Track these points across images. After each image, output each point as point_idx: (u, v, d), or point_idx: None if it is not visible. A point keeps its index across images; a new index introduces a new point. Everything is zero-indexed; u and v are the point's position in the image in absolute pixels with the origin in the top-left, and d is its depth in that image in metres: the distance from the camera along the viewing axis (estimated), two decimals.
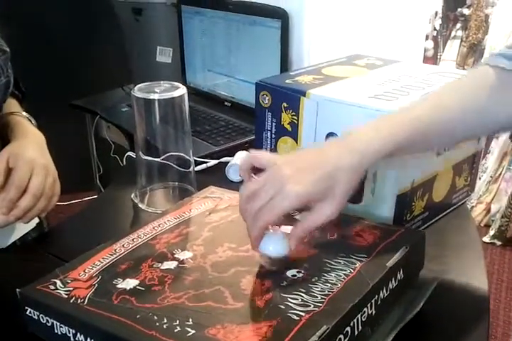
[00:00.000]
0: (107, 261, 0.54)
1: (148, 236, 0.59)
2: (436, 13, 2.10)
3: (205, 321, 0.44)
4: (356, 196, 0.68)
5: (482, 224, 2.13)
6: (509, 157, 2.07)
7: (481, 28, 2.06)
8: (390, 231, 0.57)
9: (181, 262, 0.54)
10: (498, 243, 2.03)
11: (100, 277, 0.52)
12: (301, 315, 0.43)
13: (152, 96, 0.74)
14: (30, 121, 0.81)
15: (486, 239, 2.04)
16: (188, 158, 0.81)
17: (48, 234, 0.80)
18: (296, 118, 0.71)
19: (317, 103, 0.68)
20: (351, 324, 0.45)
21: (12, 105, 0.83)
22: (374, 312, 0.48)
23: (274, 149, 0.76)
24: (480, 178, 2.10)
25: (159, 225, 0.62)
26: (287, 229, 0.53)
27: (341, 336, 0.44)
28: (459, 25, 2.12)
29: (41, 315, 0.49)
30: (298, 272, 0.50)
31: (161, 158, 0.79)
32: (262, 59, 1.13)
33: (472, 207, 2.13)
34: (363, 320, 0.46)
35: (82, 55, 1.93)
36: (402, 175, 0.65)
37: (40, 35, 1.84)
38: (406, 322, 0.53)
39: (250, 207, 0.50)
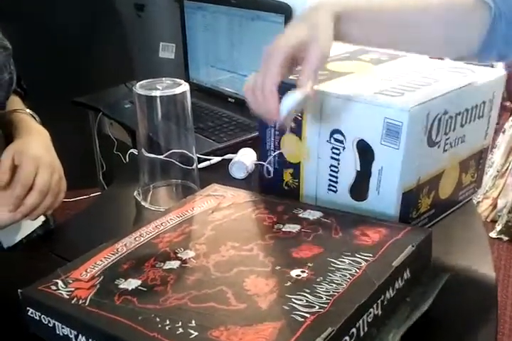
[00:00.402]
0: (109, 260, 0.54)
1: (150, 235, 0.59)
2: None
3: (208, 323, 0.43)
4: (361, 193, 0.67)
5: (488, 220, 2.11)
6: None
7: None
8: (395, 229, 0.56)
9: (184, 261, 0.53)
10: (505, 238, 2.02)
11: (102, 277, 0.51)
12: (306, 317, 0.43)
13: (154, 93, 0.73)
14: (34, 118, 0.81)
15: (493, 234, 2.03)
16: (190, 155, 0.80)
17: (51, 232, 0.79)
18: (300, 114, 0.70)
19: (321, 99, 0.67)
20: (357, 325, 0.44)
21: (15, 102, 0.82)
22: (380, 312, 0.48)
23: (277, 146, 0.75)
24: (486, 173, 2.08)
25: (162, 224, 0.61)
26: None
27: (347, 337, 0.43)
28: None
29: (43, 316, 0.48)
30: (302, 272, 0.49)
31: (164, 155, 0.78)
32: None
33: (478, 202, 2.12)
34: (369, 320, 0.46)
35: (85, 52, 1.92)
36: (408, 172, 0.64)
37: (42, 32, 1.84)
38: (413, 321, 0.52)
39: (255, 82, 0.57)
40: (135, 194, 0.82)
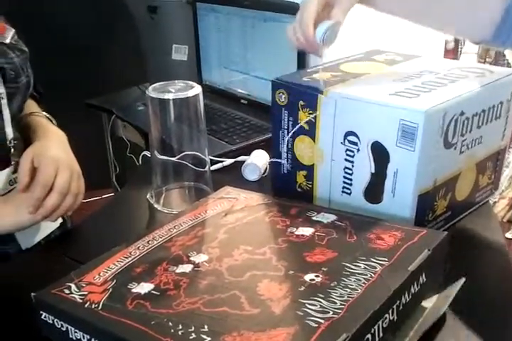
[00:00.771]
0: (122, 264, 0.54)
1: (163, 238, 0.59)
2: None
3: (221, 328, 0.43)
4: (376, 196, 0.67)
5: (505, 220, 2.08)
6: None
7: None
8: (411, 232, 0.55)
9: (197, 265, 0.52)
10: None
11: (115, 281, 0.51)
12: (320, 322, 0.42)
13: (167, 96, 0.73)
14: (51, 120, 0.81)
15: (509, 234, 2.00)
16: (203, 157, 0.79)
17: (68, 233, 0.80)
18: (313, 116, 0.69)
19: (335, 101, 0.66)
20: (372, 331, 0.43)
21: (31, 106, 0.83)
22: (396, 317, 0.47)
23: (291, 148, 0.74)
24: (503, 173, 2.05)
25: (175, 227, 0.61)
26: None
27: None
28: None
29: (56, 320, 0.48)
30: (316, 276, 0.49)
31: (177, 157, 0.78)
32: (279, 55, 1.11)
33: (494, 202, 2.09)
34: (384, 326, 0.45)
35: (98, 54, 1.93)
36: (424, 173, 0.63)
37: (56, 35, 1.85)
38: (429, 326, 0.51)
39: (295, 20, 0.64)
40: (148, 196, 0.81)
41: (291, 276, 0.49)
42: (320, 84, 0.68)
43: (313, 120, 0.69)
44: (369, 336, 0.43)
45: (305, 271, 0.50)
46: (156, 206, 0.80)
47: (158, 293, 0.48)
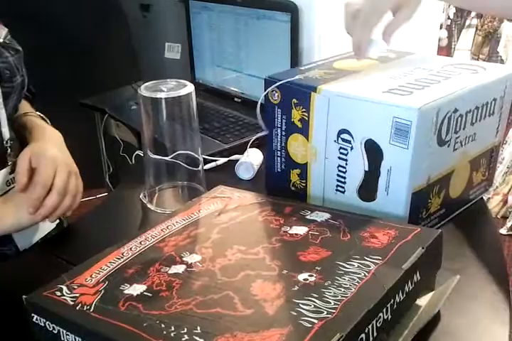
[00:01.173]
0: (114, 265, 0.53)
1: (156, 238, 0.58)
2: None
3: (214, 329, 0.42)
4: (370, 194, 0.66)
5: (499, 216, 2.09)
6: None
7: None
8: (405, 231, 0.55)
9: (189, 266, 0.52)
10: None
11: (107, 282, 0.50)
12: (314, 323, 0.42)
13: (159, 95, 0.73)
14: (45, 120, 0.81)
15: (503, 230, 2.01)
16: (196, 156, 0.79)
17: (64, 232, 0.79)
18: (306, 114, 0.69)
19: (328, 99, 0.66)
20: (366, 330, 0.43)
21: (25, 106, 0.83)
22: (390, 316, 0.46)
23: (284, 147, 0.74)
24: (496, 169, 2.06)
25: (167, 227, 0.60)
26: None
27: None
28: (473, 14, 2.07)
29: (47, 323, 0.48)
30: (310, 276, 0.48)
31: (170, 157, 0.77)
32: (272, 53, 1.11)
33: (489, 198, 2.09)
34: (379, 325, 0.45)
35: (90, 53, 1.92)
36: (418, 171, 0.63)
37: (47, 34, 1.83)
38: (424, 324, 0.51)
39: (357, 19, 0.66)
40: (141, 196, 0.81)
41: (284, 276, 0.49)
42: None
43: (307, 118, 0.69)
44: (363, 336, 0.43)
45: (299, 271, 0.49)
46: (149, 206, 0.79)
47: (150, 295, 0.48)
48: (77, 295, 0.49)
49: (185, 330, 0.42)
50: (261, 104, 0.71)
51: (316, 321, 0.42)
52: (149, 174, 0.80)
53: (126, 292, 0.49)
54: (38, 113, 0.82)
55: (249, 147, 0.91)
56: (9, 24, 0.75)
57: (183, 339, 0.41)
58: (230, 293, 0.47)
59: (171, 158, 0.77)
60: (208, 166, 0.89)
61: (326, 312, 0.43)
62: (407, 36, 1.19)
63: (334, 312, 0.43)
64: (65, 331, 0.46)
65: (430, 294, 0.56)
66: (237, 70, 1.22)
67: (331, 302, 0.44)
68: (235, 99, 1.23)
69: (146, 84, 0.75)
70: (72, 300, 0.48)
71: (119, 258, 0.54)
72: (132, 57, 1.50)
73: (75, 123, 1.64)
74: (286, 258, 0.52)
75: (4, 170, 0.72)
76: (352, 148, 0.66)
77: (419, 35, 1.25)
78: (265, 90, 0.72)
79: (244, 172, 0.86)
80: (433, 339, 0.52)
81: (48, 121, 0.81)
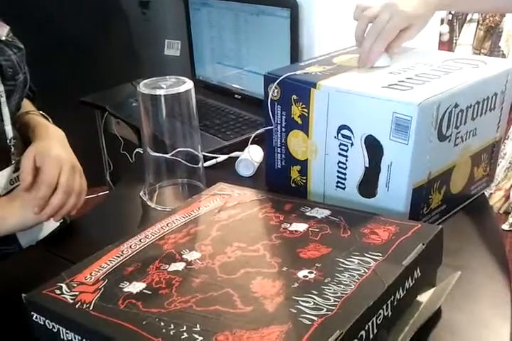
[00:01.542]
0: (114, 263, 0.53)
1: (156, 236, 0.58)
2: None
3: (213, 327, 0.42)
4: (370, 190, 0.66)
5: (501, 211, 2.08)
6: None
7: None
8: (405, 227, 0.55)
9: (189, 263, 0.52)
10: None
11: (106, 280, 0.50)
12: (314, 320, 0.41)
13: (158, 92, 0.72)
14: (47, 118, 0.80)
15: (505, 226, 2.00)
16: (196, 153, 0.79)
17: (66, 229, 0.79)
18: (306, 110, 0.69)
19: (328, 94, 0.65)
20: (366, 327, 0.43)
21: (26, 104, 0.82)
22: (390, 313, 0.46)
23: (284, 143, 0.74)
24: (498, 165, 2.05)
25: (167, 224, 0.60)
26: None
27: (356, 340, 0.42)
28: None
29: (47, 321, 0.48)
30: (310, 272, 0.48)
31: (170, 154, 0.77)
32: (272, 49, 1.10)
33: (490, 193, 2.09)
34: (379, 322, 0.44)
35: (90, 50, 1.92)
36: (418, 167, 0.62)
37: (47, 31, 1.83)
38: (424, 321, 0.51)
39: (373, 28, 0.69)
40: (141, 194, 0.81)
41: (284, 273, 0.49)
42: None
43: (307, 114, 0.69)
44: (363, 333, 0.42)
45: (299, 268, 0.49)
46: (149, 203, 0.79)
47: (150, 292, 0.48)
48: (77, 293, 0.49)
49: (185, 328, 0.42)
50: (262, 100, 0.71)
51: (315, 318, 0.42)
52: (149, 171, 0.79)
53: (125, 290, 0.48)
54: (40, 111, 0.81)
55: (250, 144, 0.90)
56: (9, 24, 0.75)
57: (183, 337, 0.41)
58: (230, 290, 0.47)
59: (171, 156, 0.77)
60: (208, 163, 0.89)
61: (325, 309, 0.43)
62: None
63: (334, 309, 0.43)
64: (64, 329, 0.46)
65: (431, 290, 0.55)
66: (237, 67, 1.21)
67: (330, 299, 0.44)
68: (236, 96, 1.23)
69: (145, 81, 0.75)
70: (71, 299, 0.48)
71: (118, 256, 0.54)
72: (132, 54, 1.49)
73: (76, 122, 1.64)
74: (286, 255, 0.52)
75: (8, 169, 0.72)
76: (352, 144, 0.65)
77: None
78: (264, 86, 0.72)
79: (245, 169, 0.86)
80: (434, 336, 0.52)
81: (50, 120, 0.81)
